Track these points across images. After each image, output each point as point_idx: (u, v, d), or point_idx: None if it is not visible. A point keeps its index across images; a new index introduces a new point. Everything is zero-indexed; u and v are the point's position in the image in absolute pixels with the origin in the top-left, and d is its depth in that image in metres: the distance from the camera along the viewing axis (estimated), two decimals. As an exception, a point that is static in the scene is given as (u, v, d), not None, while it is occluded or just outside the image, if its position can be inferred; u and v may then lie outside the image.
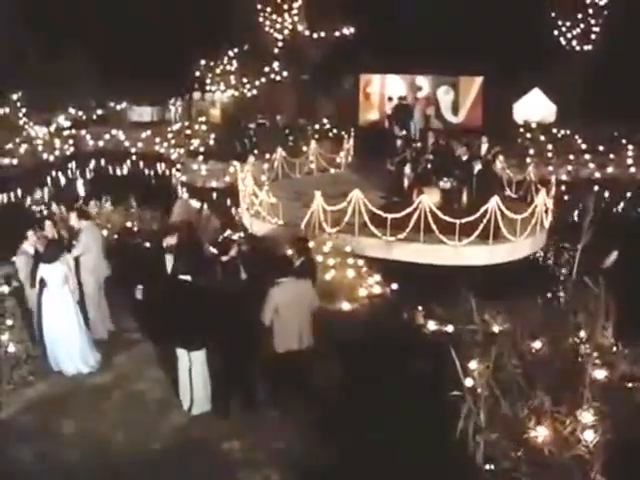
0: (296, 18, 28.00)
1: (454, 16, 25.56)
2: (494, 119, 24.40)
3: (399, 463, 6.96)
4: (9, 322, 9.24)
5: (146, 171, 26.69)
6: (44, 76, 26.38)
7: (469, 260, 13.56)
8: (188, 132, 27.35)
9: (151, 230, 13.44)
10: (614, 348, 7.11)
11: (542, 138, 24.04)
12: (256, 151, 21.10)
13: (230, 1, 26.86)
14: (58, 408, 8.31)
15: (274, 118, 25.31)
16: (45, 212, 12.40)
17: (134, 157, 28.30)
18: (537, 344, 6.81)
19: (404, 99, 24.26)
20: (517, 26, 24.43)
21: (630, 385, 6.85)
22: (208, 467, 7.27)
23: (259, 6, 27.64)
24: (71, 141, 28.28)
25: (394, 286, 11.93)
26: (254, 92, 27.85)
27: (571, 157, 23.52)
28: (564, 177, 22.59)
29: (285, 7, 27.67)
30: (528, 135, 24.25)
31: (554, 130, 24.57)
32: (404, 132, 18.97)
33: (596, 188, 21.57)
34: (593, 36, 27.15)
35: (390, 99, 24.84)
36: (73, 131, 28.86)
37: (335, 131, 24.74)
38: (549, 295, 7.91)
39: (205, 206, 15.85)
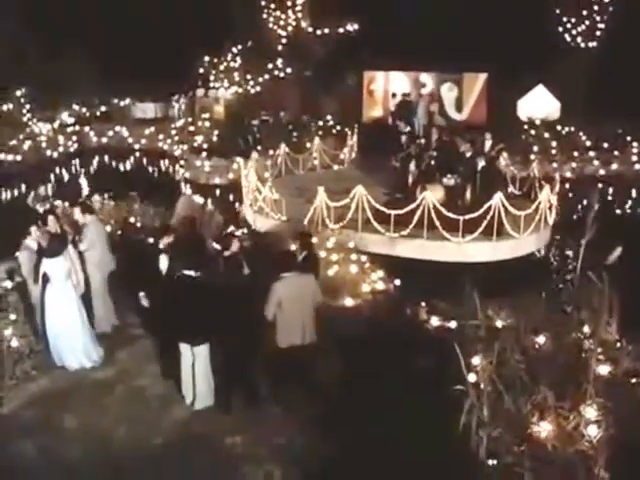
0: (300, 15, 27.94)
1: (458, 13, 25.50)
2: (498, 116, 24.33)
3: (401, 458, 6.95)
4: (12, 317, 9.26)
5: (149, 168, 26.69)
6: (48, 74, 26.37)
7: (473, 257, 13.51)
8: (191, 129, 27.38)
9: (154, 226, 13.43)
10: (618, 344, 7.07)
11: (546, 135, 23.96)
12: (259, 147, 21.07)
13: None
14: (61, 403, 8.31)
15: (277, 115, 25.28)
16: (48, 207, 12.35)
17: (137, 154, 28.31)
18: (540, 339, 6.78)
19: (408, 95, 24.23)
20: (521, 23, 24.37)
21: (634, 381, 6.82)
22: (210, 462, 7.26)
23: (263, 3, 27.58)
24: (75, 138, 28.32)
25: (397, 282, 11.91)
26: (258, 89, 27.82)
27: (575, 154, 23.44)
28: (568, 174, 22.51)
29: (289, 4, 27.61)
30: (532, 132, 24.16)
31: (558, 127, 24.49)
32: (408, 128, 18.91)
33: (600, 185, 21.46)
34: (598, 33, 27.05)
35: (394, 95, 24.82)
36: (77, 128, 28.89)
37: (339, 128, 24.69)
38: (553, 291, 7.85)
39: (208, 202, 15.88)
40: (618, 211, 19.88)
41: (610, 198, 20.90)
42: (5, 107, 26.67)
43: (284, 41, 27.94)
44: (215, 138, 25.13)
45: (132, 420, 7.97)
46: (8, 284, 10.22)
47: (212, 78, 28.78)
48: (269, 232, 14.45)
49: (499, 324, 7.10)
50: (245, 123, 24.41)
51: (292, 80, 27.32)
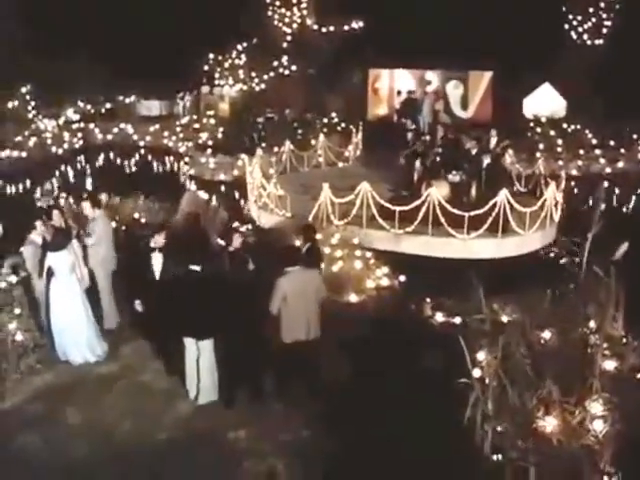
0: (305, 12, 27.92)
1: (464, 10, 25.43)
2: (503, 114, 24.27)
3: (406, 454, 6.92)
4: (17, 311, 9.25)
5: (154, 164, 26.70)
6: (53, 71, 26.40)
7: (477, 253, 13.48)
8: (196, 126, 27.37)
9: (159, 222, 13.40)
10: (624, 339, 7.03)
11: (552, 133, 23.87)
12: (264, 144, 21.07)
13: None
14: (65, 397, 8.32)
15: (282, 112, 25.24)
16: (52, 202, 12.38)
17: (142, 151, 28.33)
18: (546, 334, 6.75)
19: (413, 93, 24.20)
20: (527, 20, 24.29)
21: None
22: (214, 457, 7.26)
23: (268, 0, 27.57)
24: (80, 134, 28.34)
25: (402, 278, 11.88)
26: (262, 86, 27.79)
27: (581, 152, 23.34)
28: (574, 172, 22.42)
29: (294, 1, 27.60)
30: (538, 130, 24.08)
31: (564, 125, 24.39)
32: (414, 126, 18.90)
33: (606, 184, 21.36)
34: (604, 30, 26.94)
35: (399, 93, 24.79)
36: (82, 124, 28.93)
37: (343, 125, 24.66)
38: (559, 286, 7.80)
39: (213, 199, 15.88)
40: (624, 209, 19.77)
41: (616, 196, 20.77)
42: (10, 104, 26.69)
43: (289, 38, 27.91)
44: (220, 135, 25.12)
45: (136, 415, 7.97)
46: (13, 279, 10.22)
47: (217, 75, 28.76)
48: (274, 228, 14.44)
49: (504, 319, 7.07)
50: (250, 120, 24.37)
51: (297, 77, 27.28)
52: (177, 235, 12.19)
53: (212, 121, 26.87)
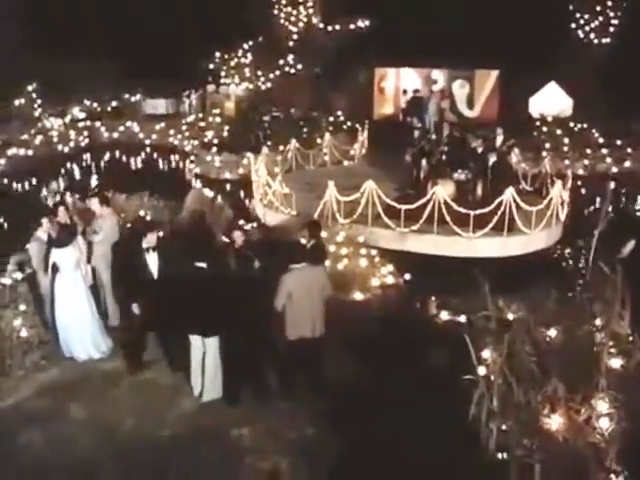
0: (311, 11, 27.90)
1: (470, 9, 25.37)
2: (510, 113, 24.19)
3: (410, 451, 6.89)
4: (22, 307, 9.29)
5: (160, 163, 26.73)
6: (59, 70, 26.46)
7: (483, 252, 13.43)
8: (202, 124, 27.38)
9: (150, 221, 13.33)
10: (630, 337, 6.99)
11: (558, 132, 23.78)
12: (269, 143, 21.06)
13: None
14: (69, 393, 8.31)
15: (288, 111, 25.23)
16: (58, 199, 12.41)
17: (148, 149, 28.35)
18: (552, 332, 6.71)
19: (418, 92, 24.15)
20: (534, 19, 24.21)
21: (646, 374, 6.73)
22: (218, 454, 7.24)
23: (274, -2, 27.61)
24: (86, 133, 28.39)
25: (407, 277, 11.86)
26: (268, 85, 27.79)
27: (588, 151, 23.25)
28: (580, 171, 22.33)
29: (300, 0, 27.59)
30: (544, 129, 24.00)
31: (571, 124, 24.30)
32: (420, 124, 18.88)
33: (613, 184, 21.26)
34: (611, 29, 26.82)
35: (405, 92, 24.74)
36: (88, 123, 28.97)
37: (349, 124, 24.63)
38: (565, 284, 7.77)
39: (218, 197, 15.88)
40: (631, 207, 19.68)
41: (623, 195, 20.67)
42: (17, 102, 26.76)
43: (295, 37, 27.89)
44: (225, 134, 25.13)
45: (140, 411, 7.97)
46: (19, 275, 10.26)
47: (223, 74, 28.77)
48: (279, 226, 14.42)
49: (510, 316, 7.03)
50: (256, 119, 24.37)
51: (303, 76, 27.27)
52: (183, 232, 12.23)
53: (218, 120, 26.87)
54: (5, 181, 22.23)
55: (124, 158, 27.19)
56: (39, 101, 27.48)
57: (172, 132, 28.26)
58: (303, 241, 9.38)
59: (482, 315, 6.91)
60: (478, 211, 13.35)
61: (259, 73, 27.90)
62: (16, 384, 8.45)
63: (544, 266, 12.99)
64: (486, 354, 6.69)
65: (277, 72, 27.64)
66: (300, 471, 6.94)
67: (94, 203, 10.02)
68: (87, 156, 27.04)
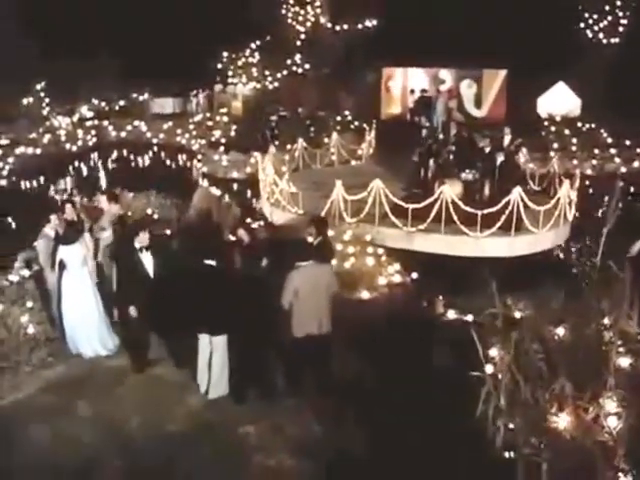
0: (318, 10, 27.91)
1: (477, 9, 25.31)
2: (517, 113, 24.12)
3: (416, 449, 6.87)
4: (29, 304, 9.31)
5: (167, 162, 26.79)
6: (67, 69, 26.54)
7: (490, 252, 13.38)
8: (209, 124, 27.43)
9: (142, 219, 13.32)
10: (639, 337, 6.94)
11: (566, 132, 23.70)
12: (277, 142, 21.08)
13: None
14: (76, 390, 8.32)
15: (296, 110, 25.24)
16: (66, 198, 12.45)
17: (156, 148, 28.42)
18: (560, 330, 6.68)
19: (426, 92, 24.10)
20: (542, 19, 24.13)
21: (655, 374, 6.68)
22: (223, 451, 7.22)
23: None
24: (94, 132, 28.48)
25: (414, 276, 11.83)
26: (276, 84, 27.81)
27: (596, 151, 23.15)
28: (589, 171, 22.24)
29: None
30: (552, 129, 23.92)
31: (579, 124, 24.21)
32: (428, 123, 18.86)
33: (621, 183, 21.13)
34: (620, 28, 26.70)
35: (412, 92, 24.70)
36: (96, 122, 29.07)
37: (357, 123, 24.62)
38: (573, 283, 7.73)
39: (226, 196, 15.90)
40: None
41: (631, 195, 20.54)
42: (25, 101, 26.87)
43: (303, 37, 27.91)
44: (233, 133, 25.16)
45: (146, 408, 7.96)
46: (26, 272, 10.29)
47: (230, 74, 28.82)
48: (286, 225, 14.42)
49: (517, 315, 7.00)
50: (263, 119, 24.40)
51: (310, 76, 27.28)
52: (190, 230, 12.25)
53: (225, 119, 26.92)
54: (13, 179, 22.30)
55: (131, 157, 27.26)
56: (47, 100, 27.57)
57: (179, 131, 28.34)
58: (310, 239, 9.37)
59: (489, 313, 6.87)
60: (485, 211, 13.30)
61: (266, 73, 27.93)
62: (23, 380, 8.46)
63: (552, 266, 12.95)
64: (493, 352, 6.66)
65: (284, 72, 27.66)
66: (306, 469, 6.92)
67: (102, 200, 10.05)
68: (95, 155, 27.13)
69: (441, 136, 17.37)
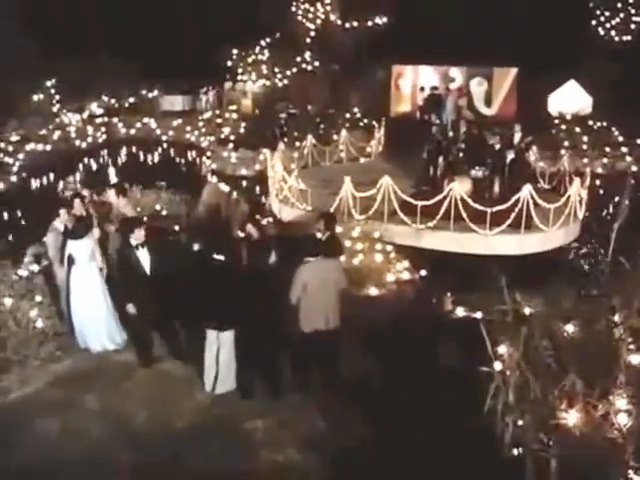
0: (328, 7, 27.88)
1: (488, 7, 25.22)
2: (528, 111, 23.99)
3: (424, 445, 6.83)
4: (38, 298, 9.33)
5: (177, 159, 26.84)
6: (78, 66, 26.66)
7: (500, 249, 13.31)
8: (219, 121, 27.46)
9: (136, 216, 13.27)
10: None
11: (577, 130, 23.57)
12: (286, 139, 21.08)
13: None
14: (84, 384, 8.33)
15: (305, 107, 25.23)
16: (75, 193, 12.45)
17: (165, 145, 28.49)
18: (570, 327, 6.63)
19: (436, 89, 24.00)
20: (553, 16, 24.02)
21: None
22: (230, 446, 7.21)
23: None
24: (103, 129, 28.58)
25: (423, 273, 11.79)
26: (285, 82, 27.81)
27: (607, 149, 23.02)
28: (599, 170, 22.11)
29: (318, -3, 27.65)
30: (563, 127, 23.79)
31: (590, 122, 24.08)
32: (438, 121, 18.81)
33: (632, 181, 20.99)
34: (632, 26, 26.54)
35: (422, 89, 24.61)
36: (105, 119, 29.17)
37: (366, 120, 24.57)
38: (583, 279, 7.67)
39: (234, 193, 15.90)
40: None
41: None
42: (35, 97, 26.98)
43: (312, 34, 27.89)
44: (242, 130, 25.18)
45: (153, 402, 7.97)
46: (35, 267, 10.32)
47: (240, 71, 28.85)
48: (294, 221, 14.40)
49: (527, 311, 6.95)
50: (272, 116, 24.41)
51: (320, 73, 27.26)
52: (199, 226, 12.26)
53: (234, 116, 26.94)
54: (23, 175, 22.39)
55: (141, 154, 27.32)
56: (57, 97, 27.69)
57: (189, 128, 28.39)
58: (318, 235, 9.35)
59: (499, 309, 6.82)
60: (495, 208, 13.23)
61: (276, 70, 27.94)
62: (31, 374, 8.48)
63: (562, 263, 12.87)
64: (502, 349, 6.61)
65: (294, 69, 27.65)
66: (313, 464, 6.90)
67: (111, 195, 10.07)
68: (104, 152, 27.21)
69: (451, 134, 17.32)
